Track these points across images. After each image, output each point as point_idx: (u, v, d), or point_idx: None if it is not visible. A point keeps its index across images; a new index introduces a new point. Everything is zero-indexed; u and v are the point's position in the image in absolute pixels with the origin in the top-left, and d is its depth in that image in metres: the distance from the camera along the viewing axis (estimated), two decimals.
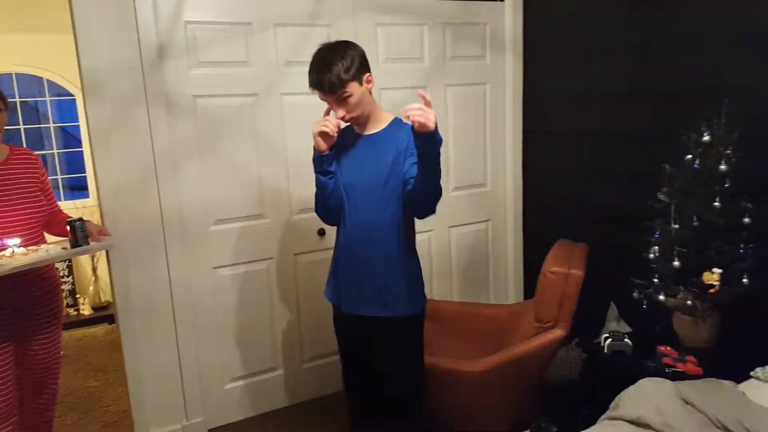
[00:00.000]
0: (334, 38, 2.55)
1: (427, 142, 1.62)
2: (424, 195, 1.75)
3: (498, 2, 3.12)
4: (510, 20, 3.14)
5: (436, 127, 1.58)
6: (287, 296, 2.81)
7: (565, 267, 2.22)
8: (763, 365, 1.83)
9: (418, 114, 1.55)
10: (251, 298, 2.72)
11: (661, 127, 2.45)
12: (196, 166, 2.51)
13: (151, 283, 2.48)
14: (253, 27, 2.54)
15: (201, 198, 2.54)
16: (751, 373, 1.83)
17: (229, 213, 2.62)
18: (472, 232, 3.27)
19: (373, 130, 1.93)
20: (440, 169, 1.72)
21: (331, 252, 2.05)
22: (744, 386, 1.74)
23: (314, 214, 2.51)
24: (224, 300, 2.66)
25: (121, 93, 2.32)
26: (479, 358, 2.24)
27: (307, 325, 2.87)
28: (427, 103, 1.58)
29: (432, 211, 1.81)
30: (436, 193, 1.75)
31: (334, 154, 1.89)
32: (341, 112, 1.83)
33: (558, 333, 2.20)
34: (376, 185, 1.86)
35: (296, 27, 2.63)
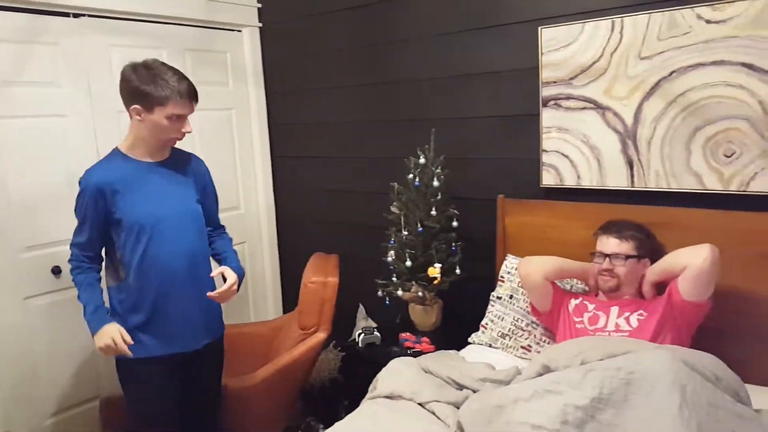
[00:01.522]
0: (61, 58, 2.38)
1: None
2: None
3: (236, 32, 3.26)
4: (249, 51, 3.29)
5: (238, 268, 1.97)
6: (18, 347, 2.42)
7: (322, 276, 2.46)
8: (475, 332, 2.33)
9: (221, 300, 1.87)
10: None
11: (388, 152, 2.87)
12: None
13: None
14: None
15: None
16: (468, 340, 2.32)
17: None
18: None
19: (163, 156, 1.90)
20: None
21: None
22: (463, 352, 2.21)
23: (46, 251, 2.28)
24: None
25: None
26: (249, 374, 2.31)
27: (45, 377, 2.51)
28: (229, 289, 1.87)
29: None
30: None
31: None
32: (189, 127, 1.81)
33: (321, 336, 2.42)
34: (188, 211, 1.87)
35: (12, 43, 2.32)
